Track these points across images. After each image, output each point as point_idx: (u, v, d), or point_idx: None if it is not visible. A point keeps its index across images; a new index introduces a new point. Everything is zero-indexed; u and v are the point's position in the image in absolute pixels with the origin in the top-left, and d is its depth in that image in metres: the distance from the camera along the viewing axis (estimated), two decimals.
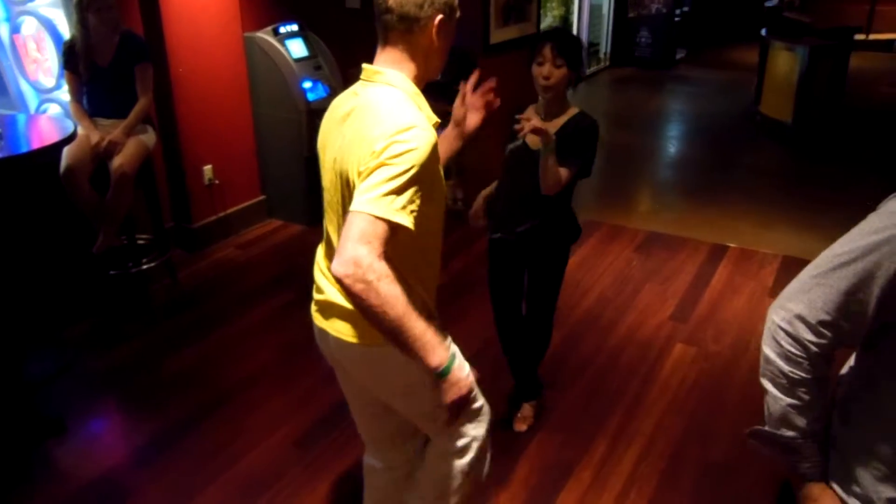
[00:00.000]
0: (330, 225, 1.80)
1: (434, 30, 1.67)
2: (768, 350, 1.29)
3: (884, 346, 1.19)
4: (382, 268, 1.48)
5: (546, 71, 2.45)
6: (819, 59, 7.03)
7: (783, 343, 1.25)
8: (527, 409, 3.08)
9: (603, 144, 7.77)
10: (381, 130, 1.55)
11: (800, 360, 1.24)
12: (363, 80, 1.73)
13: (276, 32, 4.73)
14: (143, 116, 3.79)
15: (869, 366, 1.24)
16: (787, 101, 7.24)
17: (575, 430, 3.06)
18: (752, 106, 8.12)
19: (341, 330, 1.77)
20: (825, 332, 1.22)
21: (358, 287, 1.46)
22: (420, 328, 1.55)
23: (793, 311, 1.25)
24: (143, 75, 3.76)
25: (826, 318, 1.21)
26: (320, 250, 1.89)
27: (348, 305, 1.68)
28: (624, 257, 4.65)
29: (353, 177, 1.61)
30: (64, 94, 4.04)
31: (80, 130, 3.59)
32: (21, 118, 3.92)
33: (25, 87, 4.25)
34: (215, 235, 4.81)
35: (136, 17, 4.18)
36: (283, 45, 4.72)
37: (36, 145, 3.43)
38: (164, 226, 4.24)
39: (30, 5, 4.04)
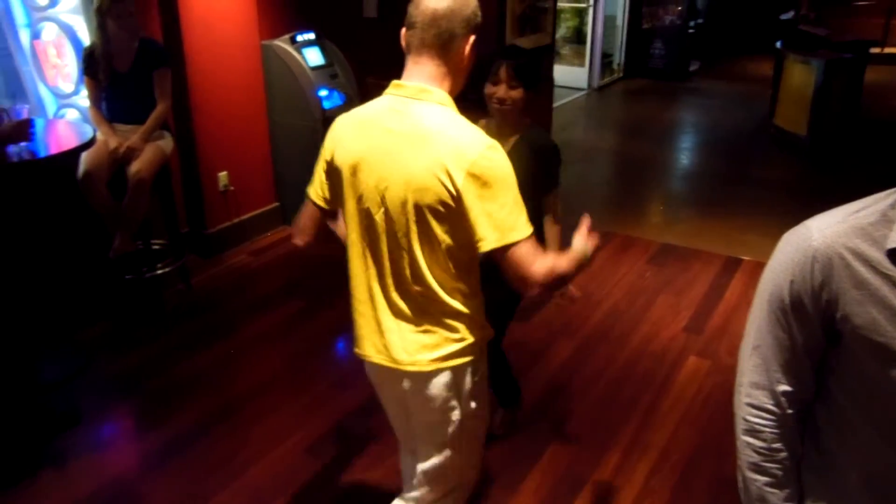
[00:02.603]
0: (371, 249, 1.76)
1: (467, 49, 1.71)
2: (739, 431, 1.29)
3: (834, 361, 1.19)
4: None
5: (502, 92, 2.37)
6: (834, 72, 6.99)
7: (750, 418, 1.25)
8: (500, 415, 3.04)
9: (616, 155, 7.76)
10: (471, 157, 1.59)
11: (766, 429, 1.24)
12: (406, 96, 1.69)
13: (293, 41, 4.76)
14: (161, 122, 3.82)
15: (827, 385, 1.23)
16: (803, 114, 7.20)
17: (587, 441, 3.04)
18: (766, 119, 8.08)
19: (420, 360, 1.77)
20: (784, 386, 1.22)
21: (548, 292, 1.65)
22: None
23: (748, 383, 1.26)
24: (161, 81, 3.79)
25: (777, 373, 1.22)
26: (365, 287, 1.81)
27: (426, 335, 1.76)
28: (637, 269, 4.63)
29: (431, 204, 1.63)
30: (82, 99, 4.08)
31: (98, 136, 3.63)
32: (40, 122, 3.96)
33: (44, 92, 4.29)
34: (229, 241, 4.83)
35: (155, 24, 4.22)
36: (300, 53, 4.75)
37: (54, 150, 3.46)
38: (179, 231, 4.26)
39: (50, 11, 4.08)
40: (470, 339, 1.78)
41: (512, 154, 2.37)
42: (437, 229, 1.66)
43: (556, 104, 7.79)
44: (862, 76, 7.55)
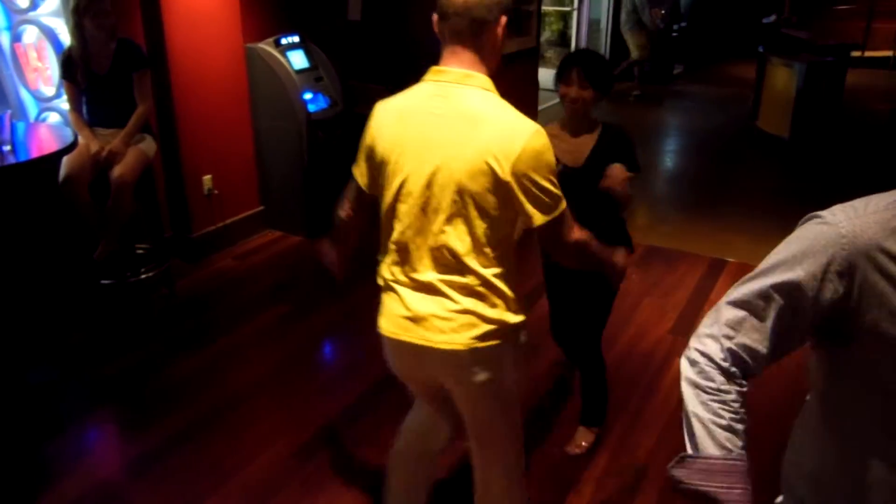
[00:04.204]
0: (414, 230, 1.79)
1: (500, 31, 1.76)
2: (683, 368, 1.27)
3: (843, 361, 1.17)
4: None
5: (574, 93, 2.53)
6: (816, 75, 7.07)
7: (699, 359, 1.24)
8: (581, 434, 3.01)
9: None
10: (520, 142, 1.66)
11: (712, 373, 1.22)
12: (449, 82, 1.74)
13: (277, 44, 4.74)
14: (142, 124, 3.78)
15: (829, 386, 1.21)
16: (785, 117, 7.27)
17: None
18: (749, 121, 8.15)
19: (454, 340, 1.79)
20: (743, 353, 1.20)
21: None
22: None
23: (715, 335, 1.23)
24: (141, 82, 3.76)
25: (744, 337, 1.19)
26: (401, 268, 1.84)
27: (465, 315, 1.78)
28: None
29: (479, 186, 1.69)
30: (63, 103, 4.04)
31: (80, 140, 3.59)
32: (21, 126, 3.91)
33: (25, 95, 4.24)
34: (214, 246, 4.80)
35: (138, 26, 4.18)
36: (285, 56, 4.73)
37: (35, 154, 3.42)
38: (163, 235, 4.23)
39: (31, 14, 4.04)
40: (507, 320, 1.81)
41: (600, 144, 2.63)
42: (483, 210, 1.71)
43: (540, 107, 7.79)
44: (843, 79, 7.64)
